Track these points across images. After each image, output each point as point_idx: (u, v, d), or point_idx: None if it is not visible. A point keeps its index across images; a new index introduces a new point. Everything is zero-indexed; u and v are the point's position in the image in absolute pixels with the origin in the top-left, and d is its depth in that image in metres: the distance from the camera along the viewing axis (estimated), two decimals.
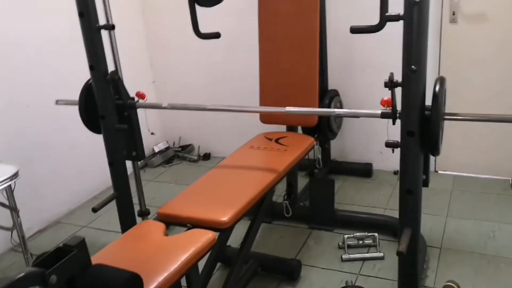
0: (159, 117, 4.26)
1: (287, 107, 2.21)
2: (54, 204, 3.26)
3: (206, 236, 1.76)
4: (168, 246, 1.73)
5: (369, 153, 3.58)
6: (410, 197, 1.84)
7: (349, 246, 2.63)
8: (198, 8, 2.31)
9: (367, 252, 2.60)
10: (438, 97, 1.72)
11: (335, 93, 3.27)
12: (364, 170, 3.53)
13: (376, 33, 1.77)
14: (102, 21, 2.32)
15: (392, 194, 3.18)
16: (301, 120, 2.99)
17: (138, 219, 2.69)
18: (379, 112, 1.87)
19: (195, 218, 1.92)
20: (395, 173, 3.37)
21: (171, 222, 1.95)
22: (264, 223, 2.88)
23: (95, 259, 1.47)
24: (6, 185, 2.30)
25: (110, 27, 2.35)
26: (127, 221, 2.53)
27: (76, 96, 2.46)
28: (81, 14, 2.21)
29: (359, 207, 3.07)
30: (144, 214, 2.83)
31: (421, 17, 1.63)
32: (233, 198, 2.06)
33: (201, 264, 1.83)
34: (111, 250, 1.77)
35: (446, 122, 1.85)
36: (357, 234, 2.65)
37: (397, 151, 1.83)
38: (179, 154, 4.21)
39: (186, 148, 4.22)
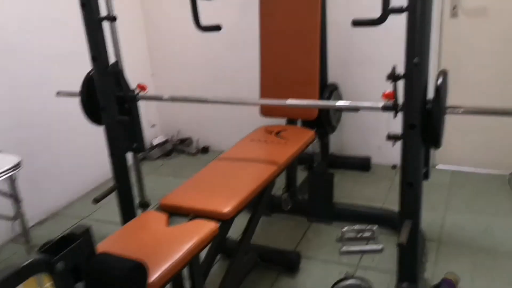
0: (158, 110, 4.27)
1: (288, 100, 2.22)
2: (53, 196, 3.27)
3: (209, 226, 1.77)
4: (172, 236, 1.74)
5: (368, 147, 3.59)
6: (411, 190, 1.85)
7: (348, 239, 2.65)
8: (199, 1, 2.31)
9: (366, 245, 2.62)
10: (441, 90, 1.73)
11: (335, 87, 3.28)
12: (362, 164, 3.55)
13: (376, 27, 1.78)
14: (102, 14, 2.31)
15: (390, 188, 3.20)
16: (301, 113, 3.01)
17: (138, 211, 2.69)
18: (381, 105, 1.87)
19: (197, 208, 1.93)
20: (393, 167, 3.39)
21: (174, 213, 1.96)
22: (263, 216, 2.89)
23: (99, 248, 1.47)
24: (9, 174, 2.31)
25: (112, 19, 2.35)
26: (127, 213, 2.54)
27: (76, 88, 2.46)
28: (83, 5, 2.21)
29: (358, 200, 3.08)
30: (144, 205, 2.83)
31: (424, 9, 1.64)
32: (235, 190, 2.07)
33: (201, 257, 1.84)
34: (114, 240, 1.78)
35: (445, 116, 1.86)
36: (356, 227, 2.67)
37: (397, 145, 1.85)
38: (178, 147, 4.21)
39: (185, 142, 4.22)
